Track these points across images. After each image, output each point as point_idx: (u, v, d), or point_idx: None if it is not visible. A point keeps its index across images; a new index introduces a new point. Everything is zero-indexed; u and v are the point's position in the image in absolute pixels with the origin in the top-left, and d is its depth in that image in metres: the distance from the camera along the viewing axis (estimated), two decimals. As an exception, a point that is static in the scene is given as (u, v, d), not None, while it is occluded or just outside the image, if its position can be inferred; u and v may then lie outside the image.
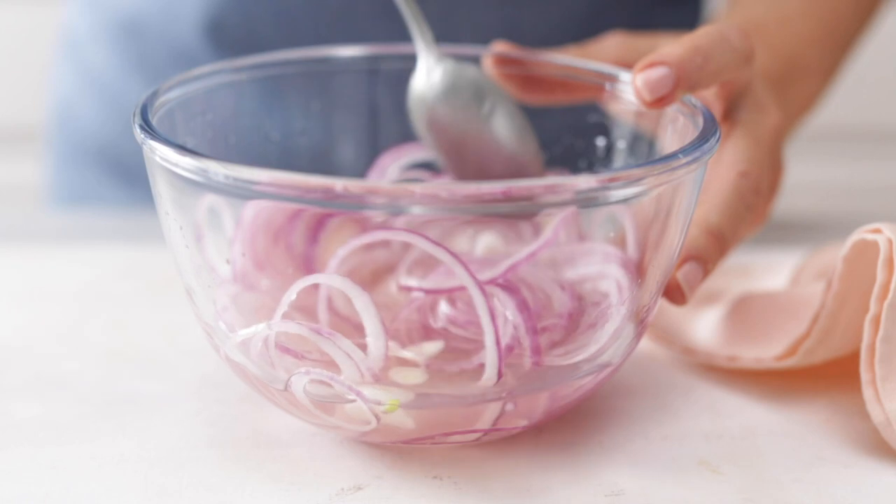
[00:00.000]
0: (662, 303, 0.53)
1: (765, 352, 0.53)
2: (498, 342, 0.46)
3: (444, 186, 0.42)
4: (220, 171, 0.43)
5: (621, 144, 0.57)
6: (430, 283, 0.51)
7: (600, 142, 0.57)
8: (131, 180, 0.85)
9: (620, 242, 0.49)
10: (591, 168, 0.58)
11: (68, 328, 0.58)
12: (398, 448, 0.49)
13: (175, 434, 0.49)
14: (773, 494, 0.46)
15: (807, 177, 1.70)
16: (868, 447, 0.49)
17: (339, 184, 0.42)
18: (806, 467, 0.48)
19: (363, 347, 0.45)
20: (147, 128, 0.47)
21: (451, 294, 0.51)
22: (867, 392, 0.48)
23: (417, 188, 0.42)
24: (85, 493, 0.46)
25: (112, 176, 0.85)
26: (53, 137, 0.89)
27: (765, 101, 0.55)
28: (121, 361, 0.55)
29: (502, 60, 0.57)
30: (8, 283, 0.63)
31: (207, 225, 0.49)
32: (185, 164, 0.44)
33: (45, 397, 0.52)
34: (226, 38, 0.78)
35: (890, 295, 0.48)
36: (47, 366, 0.55)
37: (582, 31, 0.76)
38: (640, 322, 0.49)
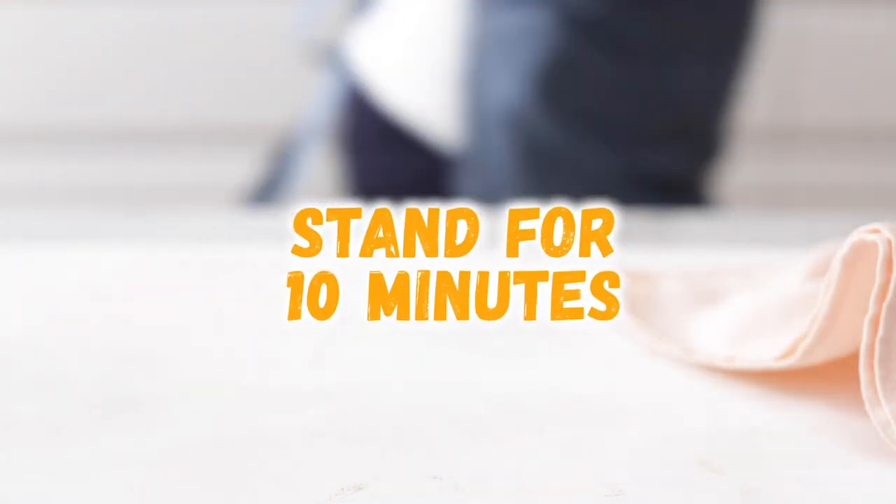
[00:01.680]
0: (661, 304, 0.53)
1: (764, 352, 0.53)
2: None
3: None
4: None
5: None
6: None
7: None
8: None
9: None
10: None
11: (68, 328, 0.58)
12: (398, 448, 0.49)
13: (175, 434, 0.49)
14: (773, 494, 0.46)
15: (807, 177, 1.70)
16: (868, 447, 0.49)
17: None
18: (806, 467, 0.48)
19: None
20: None
21: None
22: (867, 392, 0.48)
23: None
24: (85, 493, 0.46)
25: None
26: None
27: None
28: (121, 361, 0.55)
29: None
30: (8, 283, 0.63)
31: None
32: None
33: (45, 397, 0.52)
34: None
35: (889, 295, 0.48)
36: (47, 366, 0.55)
37: None
38: None
